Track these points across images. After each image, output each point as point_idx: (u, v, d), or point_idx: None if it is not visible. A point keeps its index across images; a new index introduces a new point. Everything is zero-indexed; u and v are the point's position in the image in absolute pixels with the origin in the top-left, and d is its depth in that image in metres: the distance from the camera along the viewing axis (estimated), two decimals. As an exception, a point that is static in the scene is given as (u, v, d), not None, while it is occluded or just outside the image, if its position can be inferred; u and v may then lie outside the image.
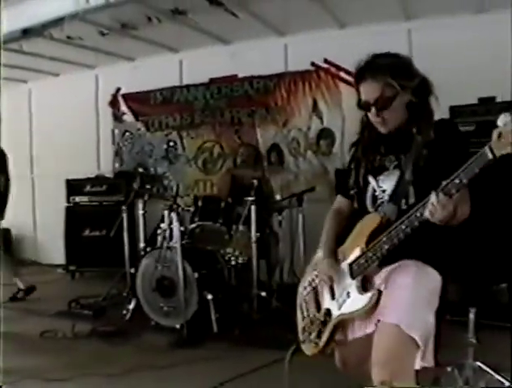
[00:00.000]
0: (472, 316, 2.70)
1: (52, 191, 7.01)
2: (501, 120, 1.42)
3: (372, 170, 1.98)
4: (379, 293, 1.75)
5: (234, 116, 6.43)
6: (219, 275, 4.44)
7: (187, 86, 6.68)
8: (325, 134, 5.90)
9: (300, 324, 2.11)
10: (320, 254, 2.08)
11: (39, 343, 3.96)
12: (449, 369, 2.69)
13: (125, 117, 7.15)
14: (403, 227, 1.71)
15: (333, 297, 1.95)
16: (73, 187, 6.66)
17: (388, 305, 1.72)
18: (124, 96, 7.09)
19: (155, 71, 6.70)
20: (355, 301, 1.82)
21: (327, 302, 1.97)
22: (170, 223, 4.29)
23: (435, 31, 4.99)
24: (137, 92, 6.96)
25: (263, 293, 4.49)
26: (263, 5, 4.95)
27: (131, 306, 4.39)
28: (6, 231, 7.49)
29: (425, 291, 1.75)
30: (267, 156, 6.18)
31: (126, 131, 7.18)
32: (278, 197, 5.36)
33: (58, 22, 4.87)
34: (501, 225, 3.58)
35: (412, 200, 1.81)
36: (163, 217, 4.54)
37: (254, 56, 6.04)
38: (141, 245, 5.01)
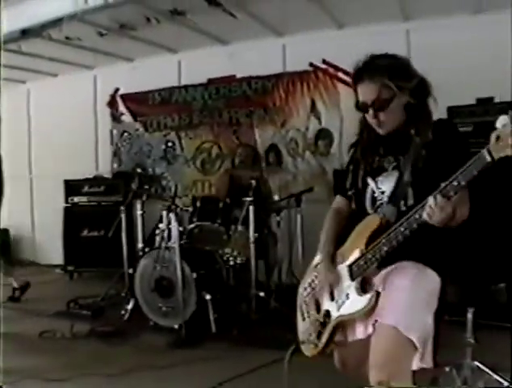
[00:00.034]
0: (470, 316, 2.70)
1: (50, 192, 7.00)
2: (500, 122, 1.42)
3: (371, 172, 1.97)
4: (378, 294, 1.75)
5: (232, 117, 6.43)
6: (217, 275, 4.45)
7: (186, 87, 6.69)
8: (323, 135, 5.91)
9: (300, 325, 2.11)
10: (320, 255, 2.08)
11: (38, 344, 3.96)
12: (447, 368, 2.69)
13: (123, 118, 7.15)
14: (402, 229, 1.71)
15: (332, 298, 1.95)
16: (72, 187, 6.65)
17: (386, 307, 1.72)
18: (123, 96, 7.10)
19: (153, 71, 6.71)
20: (354, 302, 1.83)
21: (326, 304, 1.97)
22: (169, 223, 4.30)
23: (433, 32, 5.00)
24: (136, 92, 6.96)
25: (262, 294, 4.49)
26: (261, 5, 4.96)
27: (129, 306, 4.39)
28: (4, 231, 7.51)
29: (423, 292, 1.76)
30: (265, 156, 6.18)
31: (124, 131, 7.18)
32: (276, 198, 5.37)
33: (57, 22, 4.87)
34: (499, 224, 3.59)
35: (411, 202, 1.81)
36: (161, 217, 4.54)
37: (252, 57, 6.05)
38: (140, 245, 5.01)
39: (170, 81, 6.72)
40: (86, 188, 6.61)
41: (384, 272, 1.83)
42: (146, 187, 5.36)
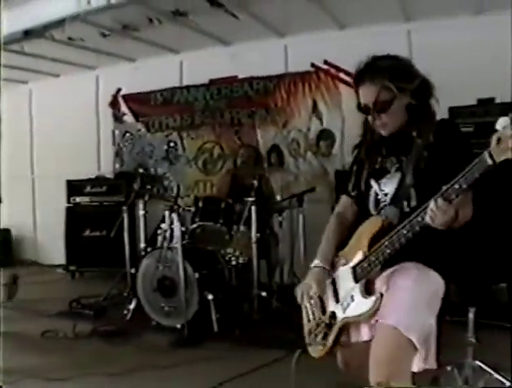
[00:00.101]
0: (471, 315, 2.70)
1: (52, 192, 7.02)
2: (500, 123, 1.40)
3: (374, 173, 1.98)
4: (382, 296, 1.75)
5: (234, 117, 6.44)
6: (219, 275, 4.45)
7: (188, 87, 6.69)
8: (325, 135, 5.91)
9: (306, 327, 2.09)
10: (315, 261, 2.06)
11: (41, 343, 3.97)
12: (448, 368, 2.69)
13: (125, 118, 7.15)
14: (404, 232, 1.71)
15: (337, 300, 1.94)
16: (74, 187, 6.67)
17: (388, 307, 1.72)
18: (125, 97, 7.10)
19: (155, 72, 6.71)
20: (359, 304, 1.82)
21: (332, 305, 1.96)
22: (171, 223, 4.30)
23: (435, 32, 5.00)
24: (138, 93, 6.97)
25: (264, 293, 4.50)
26: (263, 6, 4.97)
27: (131, 306, 4.40)
28: (6, 231, 7.53)
29: (425, 293, 1.75)
30: (267, 157, 6.18)
31: (126, 132, 7.19)
32: (278, 198, 5.37)
33: (59, 23, 4.89)
34: (500, 224, 3.60)
35: (414, 203, 1.81)
36: (164, 217, 4.55)
37: (254, 58, 6.06)
38: (142, 245, 5.01)
39: (172, 81, 6.73)
40: (88, 188, 6.63)
41: (386, 272, 1.83)
42: (148, 187, 5.35)
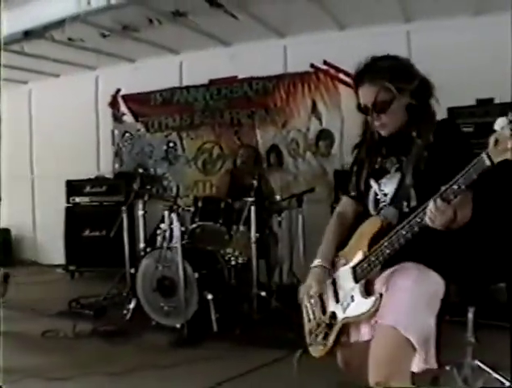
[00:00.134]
0: (470, 315, 2.71)
1: (52, 192, 7.02)
2: (498, 124, 1.40)
3: (374, 173, 1.98)
4: (381, 296, 1.76)
5: (234, 117, 6.45)
6: (219, 275, 4.46)
7: (187, 88, 6.70)
8: (324, 135, 5.93)
9: (307, 326, 2.09)
10: (315, 261, 2.07)
11: (41, 343, 3.97)
12: (448, 368, 2.69)
13: (125, 118, 7.16)
14: (403, 232, 1.71)
15: (337, 300, 1.94)
16: (74, 187, 6.68)
17: (387, 307, 1.72)
18: (124, 97, 7.11)
19: (155, 72, 6.72)
20: (359, 304, 1.82)
21: (332, 305, 1.96)
22: (171, 223, 4.30)
23: (434, 33, 5.01)
24: (137, 93, 6.98)
25: (263, 293, 4.50)
26: (263, 6, 4.98)
27: (131, 306, 4.40)
28: (6, 231, 7.54)
29: (425, 294, 1.74)
30: (267, 157, 6.20)
31: (126, 132, 7.19)
32: (277, 198, 5.38)
33: (60, 24, 4.90)
34: (499, 224, 3.60)
35: (414, 203, 1.81)
36: (163, 217, 4.55)
37: (254, 58, 6.07)
38: (141, 245, 5.01)
39: (172, 81, 6.74)
40: (87, 188, 6.64)
41: (386, 273, 1.83)
42: (148, 187, 5.36)
